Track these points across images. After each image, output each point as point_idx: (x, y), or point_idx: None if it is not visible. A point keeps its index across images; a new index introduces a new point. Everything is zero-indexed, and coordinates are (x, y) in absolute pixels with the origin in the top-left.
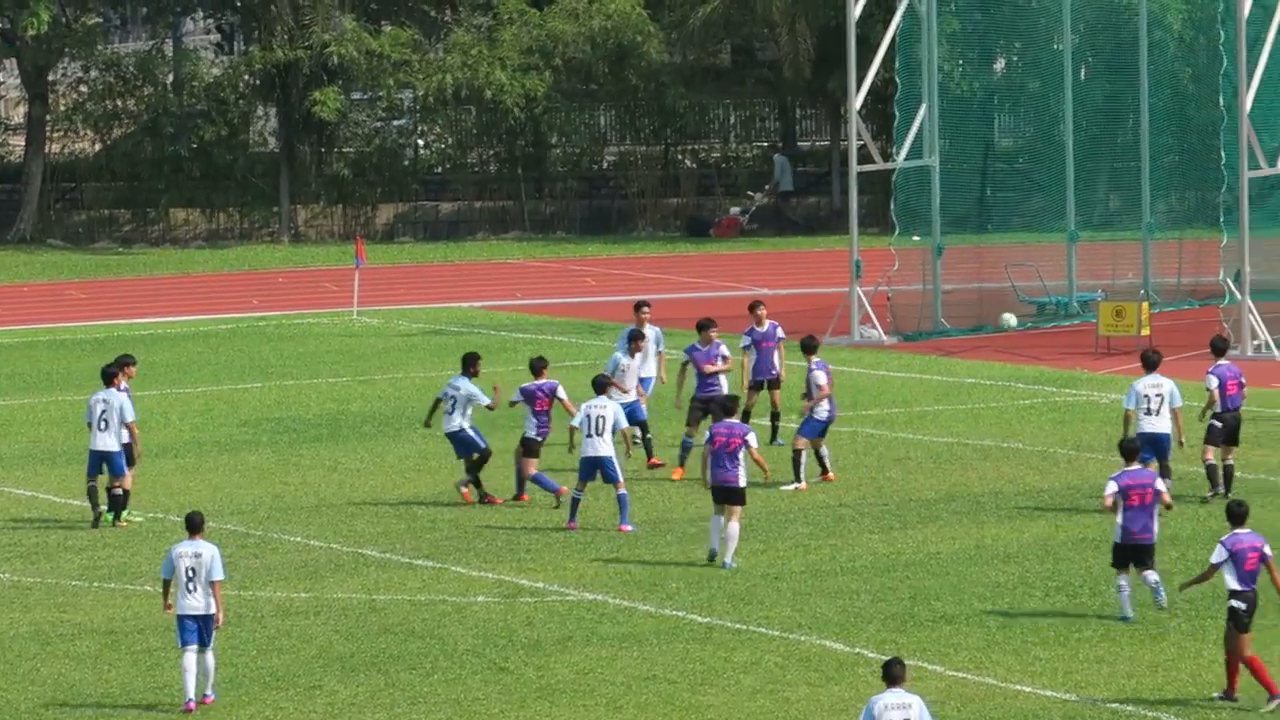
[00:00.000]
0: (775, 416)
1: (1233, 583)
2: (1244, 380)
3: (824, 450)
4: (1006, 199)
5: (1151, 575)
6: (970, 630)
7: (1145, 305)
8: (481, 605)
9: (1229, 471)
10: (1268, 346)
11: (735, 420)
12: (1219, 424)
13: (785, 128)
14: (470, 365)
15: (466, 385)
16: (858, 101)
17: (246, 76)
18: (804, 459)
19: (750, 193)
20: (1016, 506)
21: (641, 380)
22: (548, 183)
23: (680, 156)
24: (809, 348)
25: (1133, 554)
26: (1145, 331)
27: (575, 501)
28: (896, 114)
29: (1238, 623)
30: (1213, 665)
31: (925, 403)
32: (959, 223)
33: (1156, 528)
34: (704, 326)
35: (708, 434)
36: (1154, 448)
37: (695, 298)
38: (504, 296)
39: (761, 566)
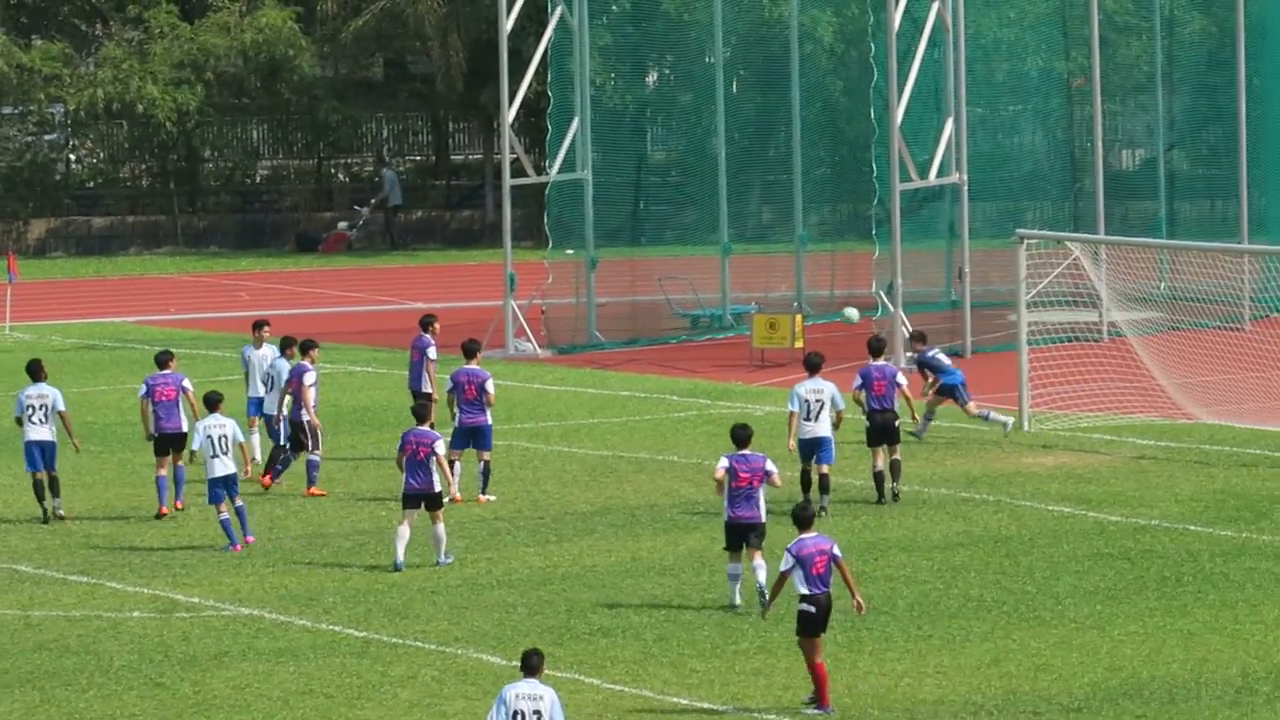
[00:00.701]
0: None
1: (801, 587)
2: (901, 381)
3: (481, 463)
4: (660, 212)
5: (760, 570)
6: (627, 643)
7: (799, 317)
8: (137, 621)
9: (896, 466)
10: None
11: (425, 427)
12: (869, 423)
13: (438, 141)
14: (38, 371)
15: (54, 391)
16: (510, 115)
17: None
18: (458, 469)
19: (358, 207)
20: (672, 519)
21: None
22: (201, 197)
23: (334, 170)
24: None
25: (741, 534)
26: (799, 344)
27: (225, 523)
28: (549, 127)
29: (807, 627)
30: (868, 676)
31: (580, 416)
32: (612, 236)
33: (764, 509)
34: (307, 347)
35: (400, 441)
36: (815, 452)
37: (349, 312)
38: (157, 311)
39: (418, 580)
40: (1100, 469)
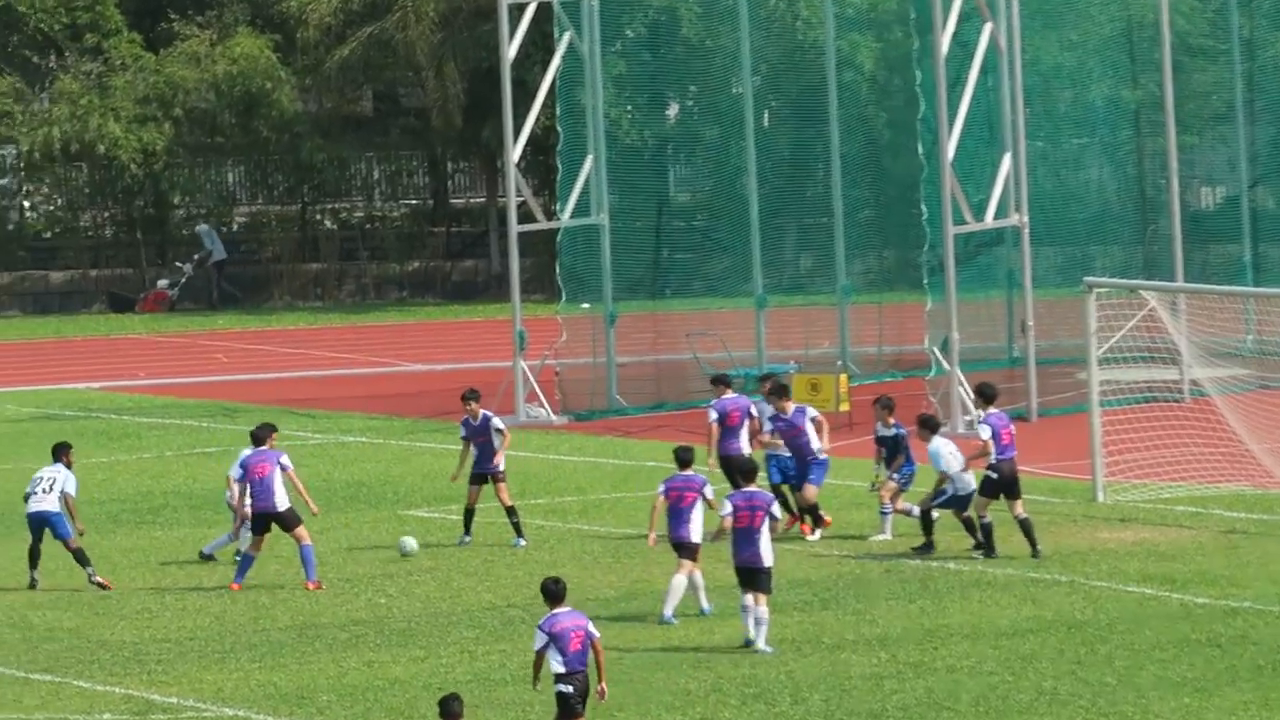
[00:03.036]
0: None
1: (557, 666)
2: (1014, 429)
3: None
4: (685, 261)
5: (762, 612)
6: None
7: (844, 377)
8: None
9: (1026, 524)
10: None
11: (689, 472)
12: (994, 475)
13: (436, 182)
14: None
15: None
16: (516, 153)
17: None
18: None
19: (179, 264)
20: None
21: None
22: (171, 247)
23: (319, 216)
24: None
25: (746, 579)
26: (844, 406)
27: None
28: (559, 166)
29: (566, 709)
30: None
31: (601, 490)
32: (633, 288)
33: (768, 550)
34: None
35: (661, 489)
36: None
37: (339, 375)
38: (125, 376)
39: (423, 676)
40: (1185, 545)
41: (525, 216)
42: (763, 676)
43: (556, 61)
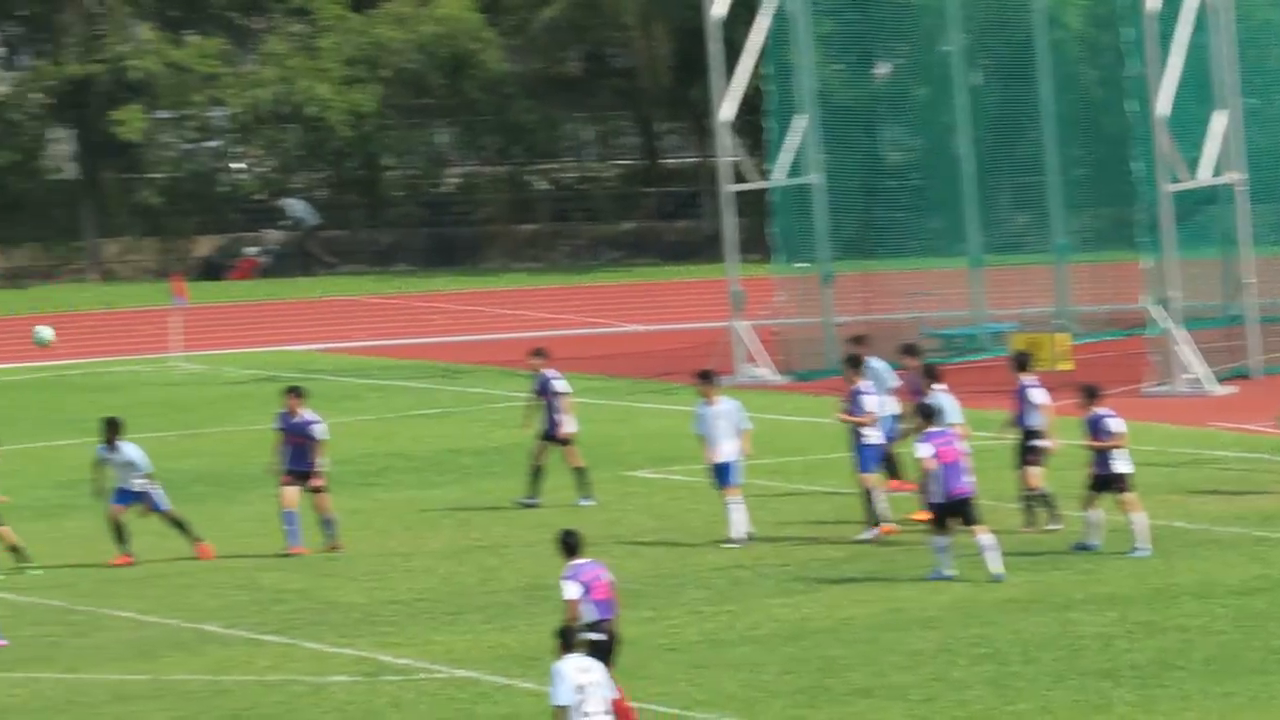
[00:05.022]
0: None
1: (589, 614)
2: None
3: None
4: (899, 220)
5: (987, 539)
6: (889, 704)
7: (1065, 335)
8: (340, 685)
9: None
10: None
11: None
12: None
13: (647, 142)
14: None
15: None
16: (725, 112)
17: (38, 94)
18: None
19: (268, 232)
20: (930, 565)
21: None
22: (383, 209)
23: (531, 177)
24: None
25: (958, 510)
26: (1065, 366)
27: None
28: (772, 126)
29: (600, 657)
30: None
31: (824, 449)
32: (846, 248)
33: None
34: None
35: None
36: None
37: (558, 335)
38: (343, 338)
39: (653, 636)
40: None
41: (737, 177)
42: (993, 636)
43: (763, 20)
